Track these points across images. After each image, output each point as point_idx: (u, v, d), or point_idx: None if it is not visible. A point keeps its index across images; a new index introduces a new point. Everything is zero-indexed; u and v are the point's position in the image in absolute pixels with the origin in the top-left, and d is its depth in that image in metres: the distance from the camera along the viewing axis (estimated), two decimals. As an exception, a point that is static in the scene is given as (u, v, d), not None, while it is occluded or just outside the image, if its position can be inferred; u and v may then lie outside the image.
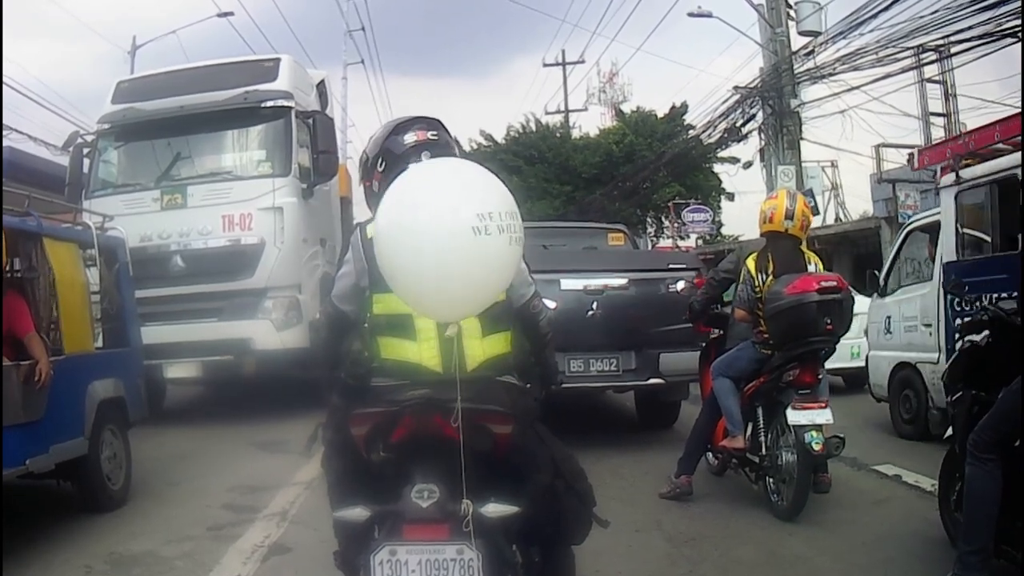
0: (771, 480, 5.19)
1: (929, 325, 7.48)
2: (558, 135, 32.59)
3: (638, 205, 29.42)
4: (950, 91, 18.37)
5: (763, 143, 18.50)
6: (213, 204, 9.10)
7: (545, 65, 35.76)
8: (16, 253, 5.37)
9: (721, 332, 6.12)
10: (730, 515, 5.21)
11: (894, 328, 8.13)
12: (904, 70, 14.70)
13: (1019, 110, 11.70)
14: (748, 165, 21.12)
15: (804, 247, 5.49)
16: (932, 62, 15.77)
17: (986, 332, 3.94)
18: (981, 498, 3.49)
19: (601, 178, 29.05)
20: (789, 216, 5.31)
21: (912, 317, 7.80)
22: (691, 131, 25.86)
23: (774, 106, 17.72)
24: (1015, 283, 5.68)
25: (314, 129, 9.56)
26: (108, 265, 6.31)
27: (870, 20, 13.97)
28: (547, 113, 34.42)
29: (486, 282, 2.27)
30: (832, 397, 5.28)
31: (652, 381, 7.17)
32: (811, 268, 5.35)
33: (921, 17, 13.10)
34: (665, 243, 28.76)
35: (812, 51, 16.51)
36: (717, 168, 28.79)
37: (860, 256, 19.18)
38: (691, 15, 19.32)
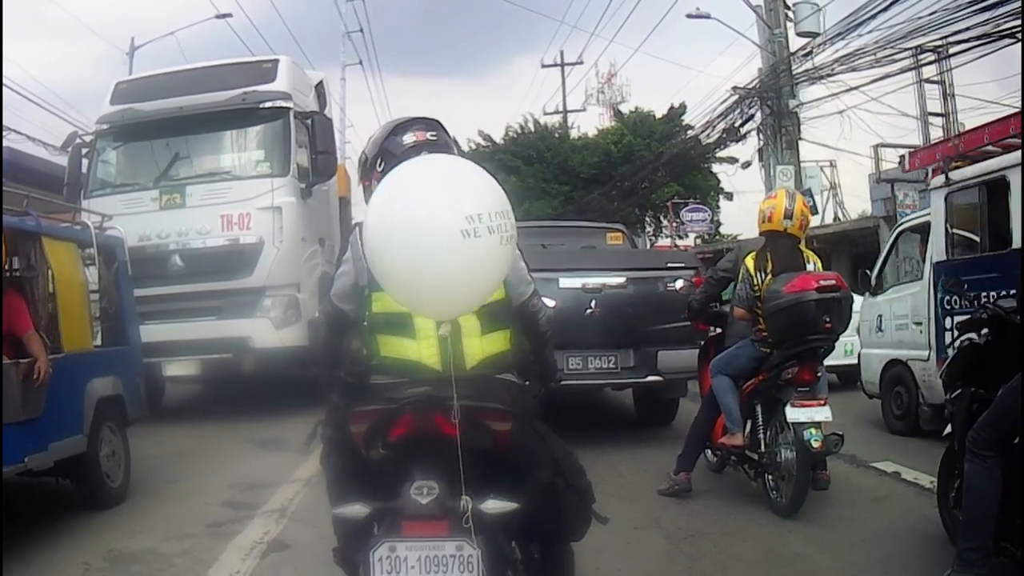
0: (770, 477, 5.20)
1: (920, 323, 7.61)
2: (557, 135, 32.61)
3: (636, 205, 29.44)
4: (948, 91, 18.40)
5: (762, 143, 18.53)
6: (212, 204, 9.10)
7: (544, 66, 35.82)
8: (15, 252, 5.38)
9: (720, 330, 6.13)
10: (729, 512, 5.22)
11: (885, 326, 8.25)
12: (902, 70, 14.75)
13: (1013, 111, 11.79)
14: (747, 165, 21.17)
15: (803, 246, 5.50)
16: (931, 63, 15.79)
17: (985, 330, 3.96)
18: (980, 495, 3.50)
19: (599, 178, 29.06)
20: (788, 215, 5.32)
21: (903, 315, 7.94)
22: (690, 131, 25.89)
23: (773, 106, 17.74)
24: (1004, 282, 5.80)
25: (313, 129, 9.57)
26: (107, 264, 6.31)
27: (868, 21, 14.02)
28: (546, 113, 34.52)
29: (476, 283, 2.26)
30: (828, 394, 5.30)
31: (650, 379, 7.19)
32: (810, 267, 5.37)
33: (919, 18, 13.15)
34: (664, 242, 28.77)
35: (810, 52, 16.54)
36: (716, 168, 28.83)
37: (858, 255, 19.19)
38: (690, 16, 19.37)
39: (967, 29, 12.41)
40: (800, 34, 17.42)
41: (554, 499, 2.57)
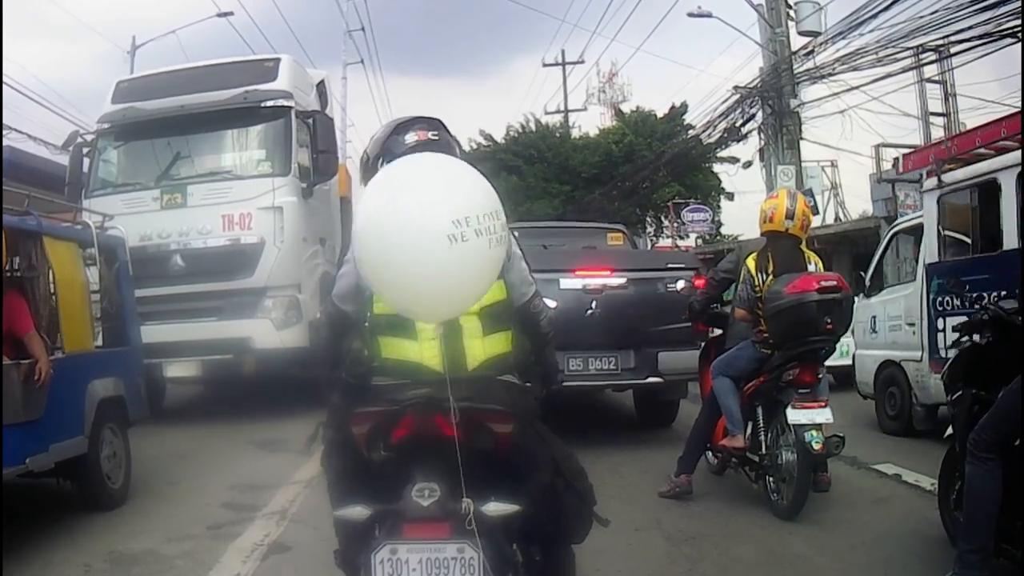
0: (771, 479, 5.19)
1: (913, 324, 7.71)
2: (558, 135, 32.59)
3: (637, 205, 29.43)
4: (950, 91, 18.40)
5: (763, 143, 18.52)
6: (213, 203, 9.09)
7: (545, 65, 35.84)
8: (16, 252, 5.37)
9: (721, 331, 6.12)
10: (730, 514, 5.22)
11: (879, 327, 8.35)
12: (904, 70, 14.75)
13: (1009, 112, 11.83)
14: (748, 165, 21.14)
15: (804, 247, 5.50)
16: (932, 62, 15.79)
17: (985, 331, 3.95)
18: (981, 497, 3.50)
19: (600, 178, 29.05)
20: (789, 216, 5.32)
21: (896, 317, 8.06)
22: (691, 131, 25.89)
23: (774, 106, 17.74)
24: (994, 283, 5.87)
25: (314, 129, 9.56)
26: (108, 264, 6.31)
27: (870, 20, 14.02)
28: (547, 113, 34.51)
29: (465, 287, 2.26)
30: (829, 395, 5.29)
31: (650, 380, 7.19)
32: (811, 268, 5.36)
33: (921, 17, 13.14)
34: (665, 243, 28.77)
35: (812, 51, 16.54)
36: (717, 168, 28.81)
37: (859, 256, 19.16)
38: (691, 15, 19.37)
39: (968, 29, 12.42)
40: (801, 33, 17.42)
41: (555, 501, 2.57)
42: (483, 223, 2.16)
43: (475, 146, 31.30)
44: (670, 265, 7.56)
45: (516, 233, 2.86)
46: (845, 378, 9.68)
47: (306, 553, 4.47)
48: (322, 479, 2.76)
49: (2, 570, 4.21)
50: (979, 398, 3.82)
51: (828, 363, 5.38)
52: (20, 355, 4.85)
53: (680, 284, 7.20)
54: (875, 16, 13.81)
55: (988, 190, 6.62)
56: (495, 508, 2.36)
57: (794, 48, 17.46)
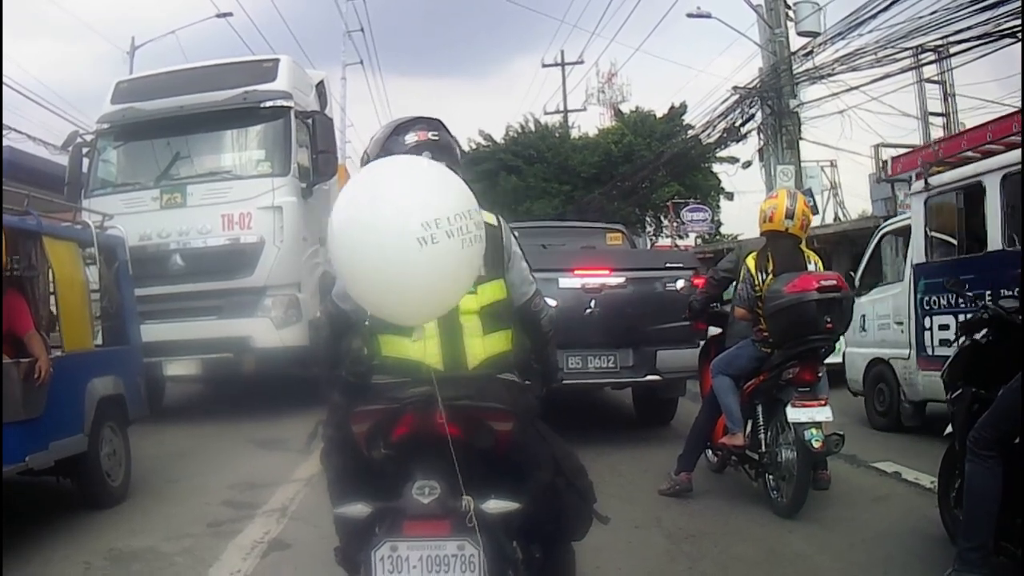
0: (771, 477, 5.20)
1: (901, 323, 7.88)
2: (557, 135, 32.58)
3: (637, 204, 29.43)
4: (949, 91, 18.41)
5: (762, 143, 18.52)
6: (212, 203, 9.10)
7: (544, 65, 35.88)
8: (16, 252, 5.37)
9: (721, 330, 6.13)
10: (730, 512, 5.22)
11: (869, 326, 8.48)
12: (903, 70, 14.76)
13: (1000, 115, 11.90)
14: (747, 165, 21.15)
15: (804, 246, 5.50)
16: (931, 62, 15.81)
17: (986, 330, 3.96)
18: (981, 495, 3.50)
19: (600, 178, 29.06)
20: (789, 215, 5.32)
21: (885, 315, 8.23)
22: (690, 131, 25.89)
23: (773, 106, 17.74)
24: (979, 283, 6.04)
25: (313, 129, 9.56)
26: (108, 263, 6.32)
27: (869, 21, 14.02)
28: (546, 113, 34.54)
29: (439, 288, 2.24)
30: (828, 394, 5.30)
31: (649, 378, 7.21)
32: (811, 267, 5.37)
33: (920, 17, 13.15)
34: (664, 242, 28.78)
35: (811, 51, 16.54)
36: (716, 168, 28.80)
37: (859, 255, 19.15)
38: (690, 16, 19.37)
39: (968, 29, 12.43)
40: (801, 33, 17.43)
41: (555, 499, 2.57)
42: (454, 224, 2.14)
43: (475, 146, 31.28)
44: (668, 264, 7.59)
45: (516, 233, 2.87)
46: (836, 376, 9.74)
47: (306, 551, 4.48)
48: (322, 477, 2.76)
49: (2, 568, 4.21)
50: (979, 396, 3.83)
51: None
52: (20, 354, 4.86)
53: (680, 283, 7.22)
54: (874, 16, 13.84)
55: (973, 193, 6.77)
56: (495, 506, 2.35)
57: (793, 48, 17.47)
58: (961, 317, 6.56)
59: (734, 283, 5.69)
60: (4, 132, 13.32)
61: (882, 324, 8.27)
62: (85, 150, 9.78)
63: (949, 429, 4.08)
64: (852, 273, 8.70)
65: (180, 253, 9.07)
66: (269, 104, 9.49)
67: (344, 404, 2.60)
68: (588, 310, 7.00)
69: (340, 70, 32.80)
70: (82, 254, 5.97)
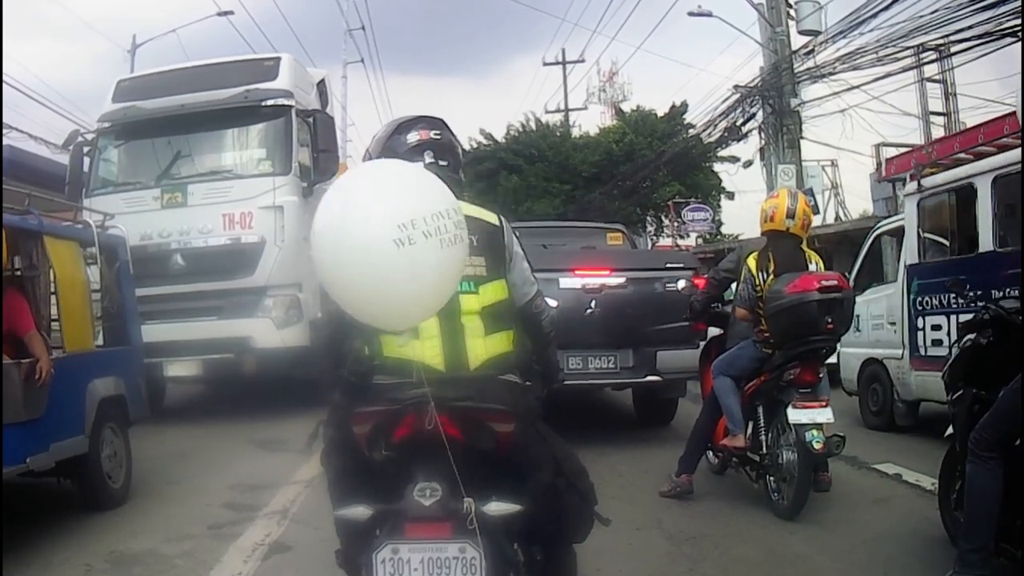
0: (771, 479, 5.20)
1: (894, 323, 7.98)
2: (558, 134, 32.56)
3: (638, 204, 29.42)
4: (950, 90, 18.38)
5: (763, 142, 18.50)
6: (213, 203, 9.10)
7: (545, 64, 35.91)
8: (17, 251, 5.37)
9: (722, 331, 6.12)
10: (730, 514, 5.22)
11: (863, 326, 8.53)
12: (904, 69, 14.73)
13: (1004, 114, 11.93)
14: (748, 164, 21.11)
15: (805, 246, 5.50)
16: (932, 61, 15.78)
17: (987, 331, 3.95)
18: (982, 496, 3.50)
19: (601, 177, 29.04)
20: (790, 215, 5.32)
21: (879, 316, 8.31)
22: (691, 130, 25.87)
23: (774, 105, 17.71)
24: (972, 284, 6.07)
25: (314, 128, 9.56)
26: (109, 263, 6.31)
27: (870, 19, 13.99)
28: (547, 112, 34.53)
29: (421, 291, 2.22)
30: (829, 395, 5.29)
31: (649, 378, 7.22)
32: (812, 267, 5.36)
33: (921, 16, 13.12)
34: (665, 242, 28.78)
35: (812, 50, 16.51)
36: (717, 167, 28.78)
37: (860, 255, 19.18)
38: (691, 14, 19.32)
39: (969, 28, 12.41)
40: (802, 32, 17.39)
41: (556, 500, 2.57)
42: (431, 224, 2.13)
43: (475, 145, 31.27)
44: (668, 265, 7.59)
45: (516, 233, 2.86)
46: (831, 376, 9.78)
47: (307, 553, 4.48)
48: (323, 479, 2.75)
49: (2, 570, 4.21)
50: (980, 397, 3.82)
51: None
52: (21, 354, 4.85)
53: (681, 284, 7.23)
54: (875, 15, 13.80)
55: (965, 194, 6.87)
56: (496, 508, 2.35)
57: (794, 47, 17.44)
58: (953, 318, 6.77)
59: (735, 283, 5.68)
60: (5, 131, 13.32)
61: (876, 324, 8.35)
62: (86, 149, 9.78)
63: (950, 430, 4.08)
64: (846, 275, 8.73)
65: (181, 253, 9.07)
66: (270, 103, 9.48)
67: (345, 405, 2.59)
68: (588, 310, 7.01)
69: (341, 68, 32.89)
70: (83, 254, 5.97)
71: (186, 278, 8.94)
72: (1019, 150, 6.43)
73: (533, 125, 32.39)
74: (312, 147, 9.56)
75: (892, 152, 18.71)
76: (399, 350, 2.54)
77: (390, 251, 2.08)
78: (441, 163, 2.75)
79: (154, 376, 8.08)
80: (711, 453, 5.95)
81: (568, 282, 7.03)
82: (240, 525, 5.15)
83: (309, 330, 8.98)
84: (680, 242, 26.78)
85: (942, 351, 6.92)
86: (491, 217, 2.75)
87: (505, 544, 2.42)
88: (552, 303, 3.12)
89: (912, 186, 7.68)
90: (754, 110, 18.51)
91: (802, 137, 17.89)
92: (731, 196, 29.87)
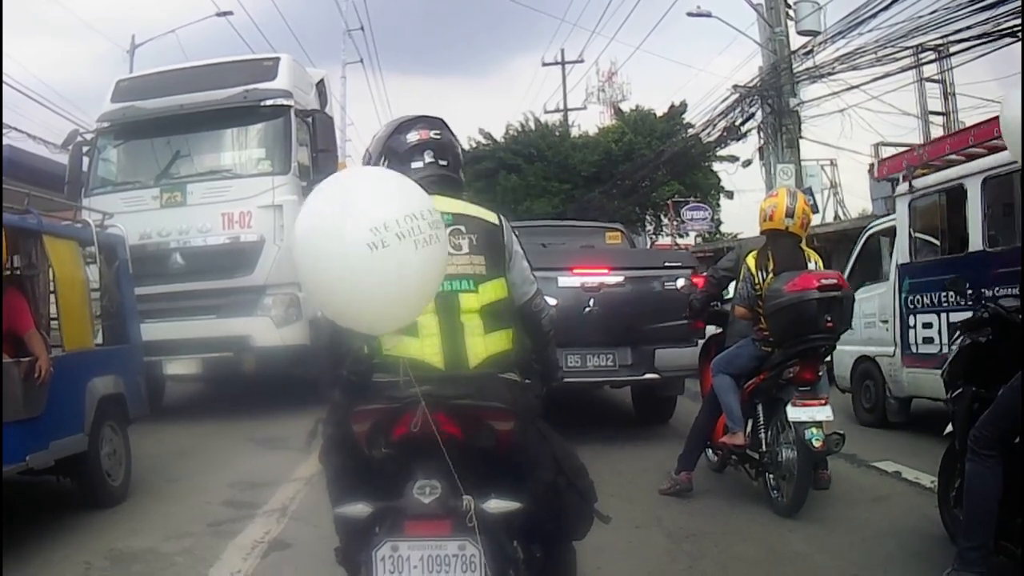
0: (771, 477, 5.20)
1: (886, 321, 8.10)
2: (557, 134, 32.60)
3: (637, 203, 29.44)
4: (949, 90, 18.40)
5: (762, 142, 18.52)
6: (213, 202, 9.11)
7: (544, 64, 35.93)
8: (16, 251, 5.37)
9: (721, 329, 6.13)
10: (730, 511, 5.22)
11: (856, 324, 8.47)
12: (903, 69, 14.78)
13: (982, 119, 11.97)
14: (747, 164, 21.15)
15: (804, 245, 5.51)
16: (931, 61, 15.82)
17: (986, 329, 3.96)
18: (981, 494, 3.50)
19: (600, 176, 29.06)
20: (790, 214, 5.32)
21: (871, 314, 8.42)
22: (690, 130, 25.90)
23: (773, 105, 17.74)
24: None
25: (313, 127, 9.58)
26: (108, 262, 6.31)
27: (869, 19, 14.02)
28: (546, 112, 34.58)
29: (398, 293, 2.21)
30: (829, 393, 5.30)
31: (648, 376, 7.24)
32: (811, 266, 5.37)
33: (920, 17, 13.14)
34: (664, 241, 28.79)
35: (811, 50, 16.53)
36: (716, 167, 28.83)
37: (859, 254, 19.18)
38: (690, 15, 19.36)
39: (968, 28, 12.43)
40: (801, 32, 17.42)
41: (556, 498, 2.57)
42: (404, 225, 2.13)
43: (475, 145, 31.29)
44: (666, 263, 7.61)
45: (516, 232, 2.87)
46: (831, 374, 9.85)
47: (306, 550, 4.48)
48: (322, 476, 2.75)
49: (2, 568, 4.21)
50: (979, 395, 3.82)
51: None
52: (20, 353, 4.85)
53: (680, 282, 7.24)
54: (874, 15, 13.84)
55: (956, 195, 6.98)
56: (496, 505, 2.35)
57: (793, 47, 17.47)
58: (944, 316, 6.91)
59: (734, 282, 5.69)
60: (4, 131, 13.32)
61: (868, 322, 8.44)
62: (85, 149, 9.79)
63: (949, 428, 4.08)
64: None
65: (180, 252, 9.08)
66: (269, 103, 9.49)
67: (344, 403, 2.60)
68: (587, 309, 7.02)
69: (340, 68, 32.87)
70: (82, 253, 5.97)
71: (185, 277, 8.95)
72: (1007, 152, 6.45)
73: (532, 125, 32.43)
74: (311, 147, 9.57)
75: (892, 151, 18.75)
76: (399, 348, 2.55)
77: (364, 255, 2.09)
78: (441, 163, 2.76)
79: (153, 374, 8.09)
80: (710, 451, 5.95)
81: (567, 281, 7.04)
82: (239, 523, 5.15)
83: (308, 328, 8.99)
84: (679, 241, 26.78)
85: (933, 348, 7.06)
86: (491, 216, 2.75)
87: (505, 542, 2.42)
88: (551, 301, 3.12)
89: (904, 187, 7.80)
90: (753, 110, 18.55)
91: (801, 137, 17.93)
92: (730, 195, 29.94)
